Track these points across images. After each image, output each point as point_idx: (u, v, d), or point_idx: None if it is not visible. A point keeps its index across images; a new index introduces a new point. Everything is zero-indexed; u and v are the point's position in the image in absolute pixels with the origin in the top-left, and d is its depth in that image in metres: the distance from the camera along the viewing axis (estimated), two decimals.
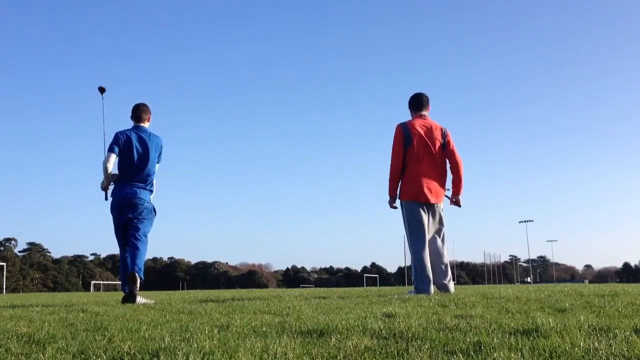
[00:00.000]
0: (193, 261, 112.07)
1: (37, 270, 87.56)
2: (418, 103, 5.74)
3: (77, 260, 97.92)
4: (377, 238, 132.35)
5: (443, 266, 5.51)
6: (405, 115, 5.80)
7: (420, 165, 5.50)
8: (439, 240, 5.56)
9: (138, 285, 5.31)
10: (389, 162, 5.59)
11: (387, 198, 5.66)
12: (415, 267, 5.40)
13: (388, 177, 5.61)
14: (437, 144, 5.55)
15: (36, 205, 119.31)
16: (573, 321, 2.51)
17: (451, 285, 5.52)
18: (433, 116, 5.77)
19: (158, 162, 5.67)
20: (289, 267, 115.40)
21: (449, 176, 5.71)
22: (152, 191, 5.64)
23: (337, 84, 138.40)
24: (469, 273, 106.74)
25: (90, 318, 3.40)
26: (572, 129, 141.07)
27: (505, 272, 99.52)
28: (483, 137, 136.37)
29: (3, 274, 53.80)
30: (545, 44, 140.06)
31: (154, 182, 5.66)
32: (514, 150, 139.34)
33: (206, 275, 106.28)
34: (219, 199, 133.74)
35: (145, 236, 5.56)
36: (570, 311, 3.10)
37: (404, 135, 5.52)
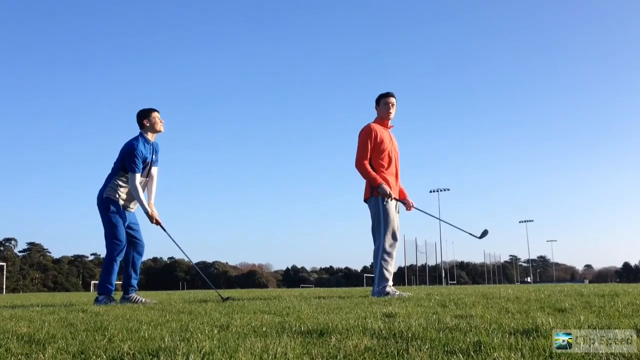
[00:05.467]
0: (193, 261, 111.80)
1: (37, 270, 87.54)
2: None
3: (77, 260, 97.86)
4: None
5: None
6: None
7: None
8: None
9: None
10: None
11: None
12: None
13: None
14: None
15: (36, 205, 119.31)
16: (573, 321, 2.51)
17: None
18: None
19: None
20: (289, 267, 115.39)
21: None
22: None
23: (338, 85, 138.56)
24: (469, 273, 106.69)
25: (90, 318, 3.40)
26: (572, 129, 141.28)
27: (505, 272, 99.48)
28: (483, 137, 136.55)
29: (3, 274, 53.78)
30: (545, 45, 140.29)
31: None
32: (514, 150, 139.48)
33: (206, 275, 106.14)
34: (219, 198, 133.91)
35: None
36: (570, 311, 3.10)
37: None
